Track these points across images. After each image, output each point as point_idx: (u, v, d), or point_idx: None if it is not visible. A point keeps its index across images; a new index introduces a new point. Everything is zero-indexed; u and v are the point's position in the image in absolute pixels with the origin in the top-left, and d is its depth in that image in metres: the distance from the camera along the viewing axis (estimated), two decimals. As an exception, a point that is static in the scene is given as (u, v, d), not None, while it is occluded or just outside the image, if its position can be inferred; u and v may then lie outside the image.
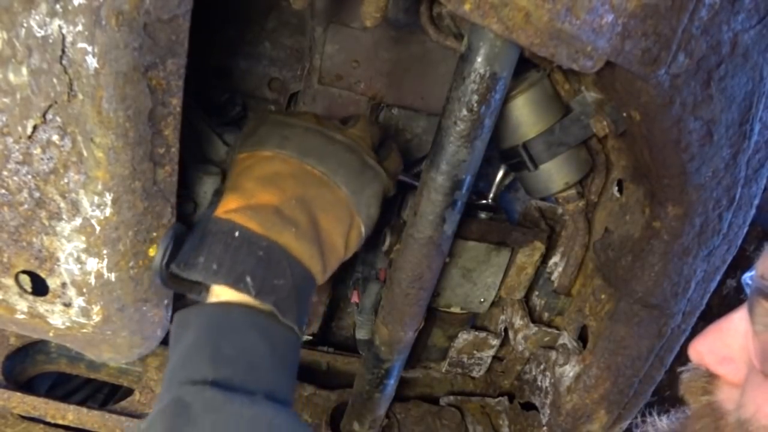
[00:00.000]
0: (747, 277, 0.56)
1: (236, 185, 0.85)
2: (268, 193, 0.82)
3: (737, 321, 0.54)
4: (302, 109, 1.25)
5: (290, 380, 0.79)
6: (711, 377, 0.56)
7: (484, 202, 1.18)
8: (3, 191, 0.72)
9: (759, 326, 0.51)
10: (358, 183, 0.89)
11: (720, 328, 0.55)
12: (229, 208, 0.81)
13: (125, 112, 0.67)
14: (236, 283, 0.76)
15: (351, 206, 0.89)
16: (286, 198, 0.83)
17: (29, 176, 0.71)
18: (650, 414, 0.63)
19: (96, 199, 0.72)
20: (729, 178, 0.86)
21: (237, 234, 0.77)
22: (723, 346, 0.54)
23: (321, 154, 0.88)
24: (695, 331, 1.04)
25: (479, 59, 0.76)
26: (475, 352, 1.30)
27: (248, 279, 0.76)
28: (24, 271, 0.78)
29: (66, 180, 0.71)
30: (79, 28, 0.61)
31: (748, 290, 0.54)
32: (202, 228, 0.80)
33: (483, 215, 1.16)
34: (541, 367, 1.25)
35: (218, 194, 0.87)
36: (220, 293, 0.78)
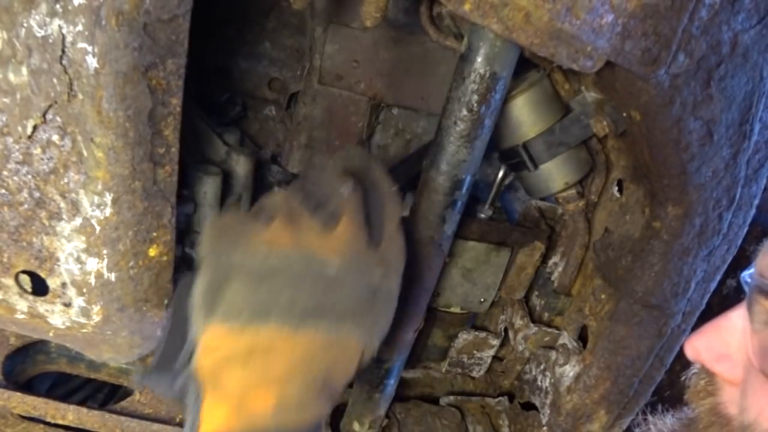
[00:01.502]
0: (746, 275, 0.56)
1: (219, 382, 0.66)
2: (263, 394, 0.65)
3: (735, 319, 0.53)
4: (302, 110, 1.24)
5: None
6: (710, 377, 0.56)
7: (482, 216, 1.16)
8: (3, 191, 0.72)
9: (757, 324, 0.50)
10: (370, 318, 0.71)
11: (718, 326, 0.55)
12: (217, 422, 0.65)
13: (125, 112, 0.67)
14: None
15: (363, 346, 0.72)
16: (286, 391, 0.66)
17: (29, 176, 0.71)
18: (652, 413, 0.63)
19: (96, 199, 0.72)
20: (729, 178, 0.86)
21: None
22: (720, 343, 0.54)
23: (318, 305, 0.66)
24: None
25: (479, 59, 0.76)
26: (475, 352, 1.29)
27: None
28: (24, 271, 0.78)
29: (66, 180, 0.71)
30: (79, 28, 0.61)
31: (746, 288, 0.54)
32: None
33: (483, 215, 1.16)
34: (541, 367, 1.25)
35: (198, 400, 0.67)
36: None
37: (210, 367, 0.67)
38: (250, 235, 0.67)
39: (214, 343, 0.66)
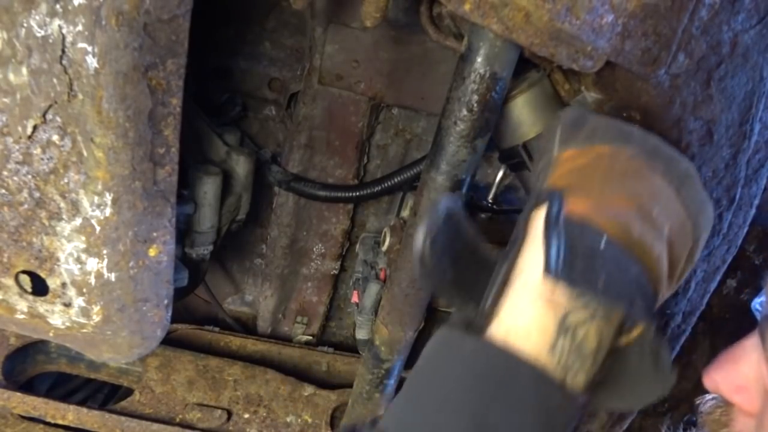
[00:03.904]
0: (757, 303, 0.56)
1: (575, 184, 0.64)
2: (619, 196, 0.63)
3: (750, 349, 0.54)
4: (302, 110, 1.25)
5: None
6: (727, 407, 0.57)
7: (484, 202, 1.18)
8: (3, 191, 0.72)
9: None
10: (699, 204, 0.68)
11: (734, 357, 0.55)
12: (580, 209, 0.61)
13: (125, 112, 0.67)
14: (629, 307, 0.56)
15: (690, 229, 0.68)
16: (641, 202, 0.62)
17: (29, 176, 0.71)
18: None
19: (96, 199, 0.72)
20: (729, 178, 0.86)
21: (604, 244, 0.58)
22: (737, 375, 0.54)
23: (670, 159, 0.68)
24: (695, 332, 1.04)
25: (479, 59, 0.76)
26: (475, 352, 1.29)
27: (634, 305, 0.56)
28: (24, 271, 0.78)
29: (66, 180, 0.71)
30: (79, 28, 0.61)
31: (758, 316, 0.54)
32: (551, 229, 0.59)
33: (483, 215, 1.16)
34: (541, 367, 1.24)
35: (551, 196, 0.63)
36: (509, 324, 0.56)
37: (566, 177, 0.67)
38: None
39: (570, 159, 0.68)
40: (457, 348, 0.55)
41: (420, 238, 0.62)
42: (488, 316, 0.56)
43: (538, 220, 0.59)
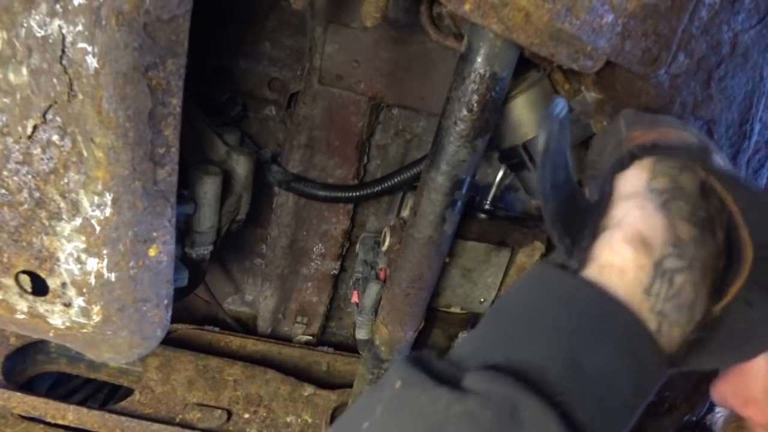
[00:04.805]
0: None
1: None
2: None
3: (758, 361, 0.54)
4: (302, 110, 1.25)
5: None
6: (740, 419, 0.56)
7: (486, 206, 1.17)
8: (3, 191, 0.72)
9: None
10: None
11: (741, 370, 0.55)
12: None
13: (125, 112, 0.67)
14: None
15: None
16: None
17: (29, 176, 0.71)
18: None
19: (96, 199, 0.72)
20: (729, 178, 0.86)
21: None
22: (745, 387, 0.54)
23: (720, 150, 0.73)
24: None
25: (479, 59, 0.76)
26: (475, 352, 1.29)
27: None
28: (24, 271, 0.78)
29: (66, 180, 0.71)
30: (79, 28, 0.61)
31: None
32: (662, 146, 0.61)
33: (482, 215, 1.16)
34: (541, 367, 1.24)
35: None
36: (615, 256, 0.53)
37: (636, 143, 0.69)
38: None
39: (637, 138, 0.70)
40: (552, 283, 0.53)
41: (550, 120, 0.60)
42: (584, 256, 0.54)
43: (625, 178, 0.59)
